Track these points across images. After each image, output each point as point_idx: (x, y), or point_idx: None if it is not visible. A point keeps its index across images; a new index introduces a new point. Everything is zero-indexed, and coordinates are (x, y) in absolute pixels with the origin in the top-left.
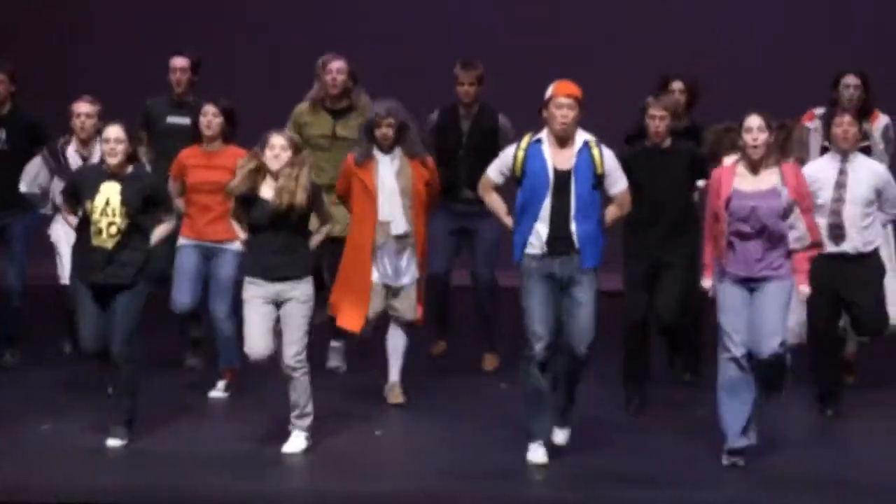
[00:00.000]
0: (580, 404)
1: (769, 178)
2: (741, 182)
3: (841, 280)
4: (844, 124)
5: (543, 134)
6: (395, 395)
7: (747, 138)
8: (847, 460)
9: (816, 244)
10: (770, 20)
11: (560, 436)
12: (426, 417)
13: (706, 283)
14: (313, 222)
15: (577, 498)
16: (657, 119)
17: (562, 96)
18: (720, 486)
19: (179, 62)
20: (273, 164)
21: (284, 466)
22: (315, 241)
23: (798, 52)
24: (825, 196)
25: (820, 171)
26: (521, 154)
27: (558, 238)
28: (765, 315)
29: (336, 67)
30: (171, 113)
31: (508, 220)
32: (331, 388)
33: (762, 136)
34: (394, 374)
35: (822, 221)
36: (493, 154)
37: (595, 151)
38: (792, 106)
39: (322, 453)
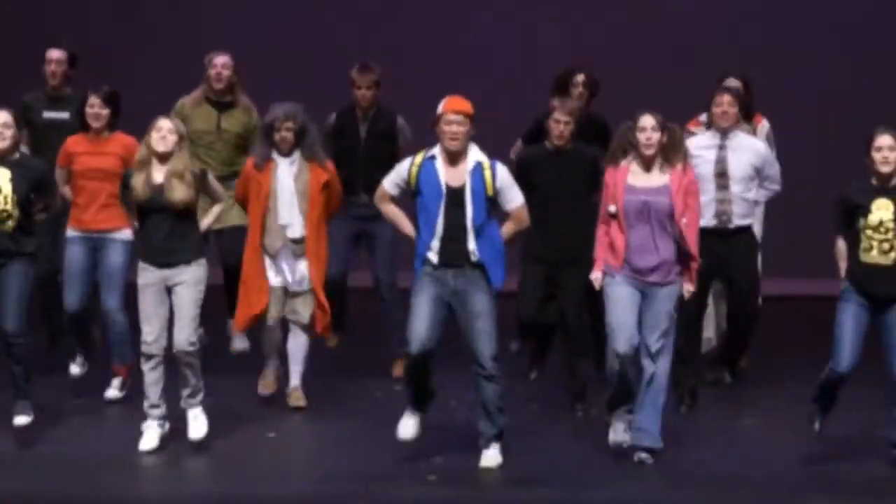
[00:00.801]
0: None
1: (661, 177)
2: (634, 179)
3: (718, 257)
4: (724, 104)
5: (437, 150)
6: (296, 398)
7: (641, 137)
8: (732, 458)
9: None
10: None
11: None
12: (321, 419)
13: (595, 275)
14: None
15: (466, 496)
16: (562, 124)
17: (451, 113)
18: (609, 484)
19: (55, 55)
20: (159, 146)
21: (171, 469)
22: (206, 222)
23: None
24: (706, 171)
25: (701, 147)
26: (414, 170)
27: (453, 252)
28: (657, 316)
29: (221, 62)
30: (49, 108)
31: (409, 229)
32: (230, 389)
33: (655, 136)
34: (294, 378)
35: (705, 198)
36: (391, 157)
37: (487, 173)
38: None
39: (214, 456)
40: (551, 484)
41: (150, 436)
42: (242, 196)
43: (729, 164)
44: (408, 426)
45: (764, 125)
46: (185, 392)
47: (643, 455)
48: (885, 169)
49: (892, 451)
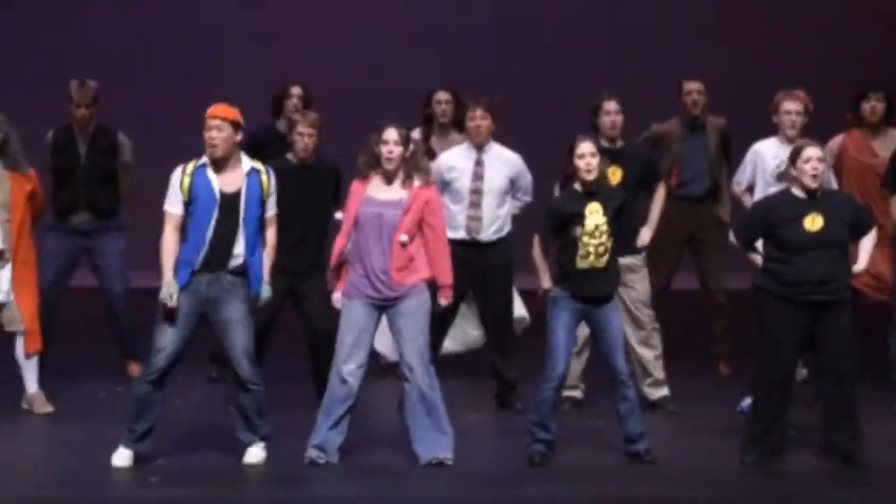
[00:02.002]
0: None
1: (400, 192)
2: (374, 191)
3: (472, 268)
4: (477, 118)
5: (206, 157)
6: (41, 405)
7: (383, 150)
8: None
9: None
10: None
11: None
12: (42, 422)
13: (335, 296)
14: None
15: (193, 496)
16: (305, 136)
17: (209, 118)
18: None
19: None
20: None
21: None
22: None
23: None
24: (462, 185)
25: (457, 159)
26: (186, 179)
27: (216, 259)
28: (408, 332)
29: None
30: None
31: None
32: None
33: (397, 150)
34: (31, 385)
35: (457, 207)
36: (112, 173)
37: (264, 177)
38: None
39: None
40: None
41: None
42: None
43: (485, 179)
44: (122, 457)
45: None
46: None
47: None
48: (588, 177)
49: (628, 447)
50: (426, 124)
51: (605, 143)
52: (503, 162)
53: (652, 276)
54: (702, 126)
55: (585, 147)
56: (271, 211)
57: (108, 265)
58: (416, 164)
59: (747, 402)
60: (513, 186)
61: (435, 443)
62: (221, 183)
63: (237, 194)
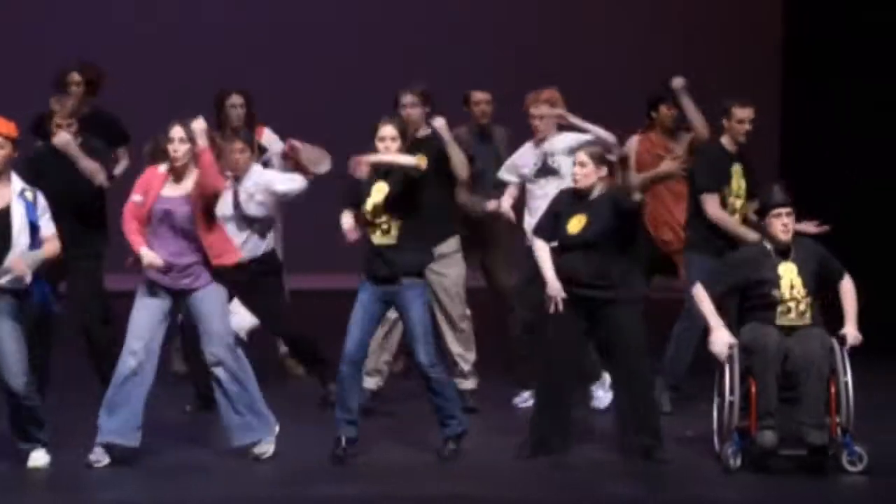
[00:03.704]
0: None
1: (186, 186)
2: (167, 188)
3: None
4: (236, 151)
5: None
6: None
7: (170, 148)
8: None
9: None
10: None
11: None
12: None
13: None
14: None
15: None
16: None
17: None
18: None
19: None
20: None
21: None
22: None
23: None
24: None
25: None
26: None
27: None
28: (213, 321)
29: None
30: None
31: None
32: None
33: (182, 147)
34: None
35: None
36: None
37: (30, 195)
38: None
39: None
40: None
41: None
42: None
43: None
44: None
45: (267, 135)
46: None
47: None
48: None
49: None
50: None
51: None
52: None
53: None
54: (489, 135)
55: (386, 130)
56: (47, 231)
57: None
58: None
59: (523, 396)
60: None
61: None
62: None
63: (7, 210)
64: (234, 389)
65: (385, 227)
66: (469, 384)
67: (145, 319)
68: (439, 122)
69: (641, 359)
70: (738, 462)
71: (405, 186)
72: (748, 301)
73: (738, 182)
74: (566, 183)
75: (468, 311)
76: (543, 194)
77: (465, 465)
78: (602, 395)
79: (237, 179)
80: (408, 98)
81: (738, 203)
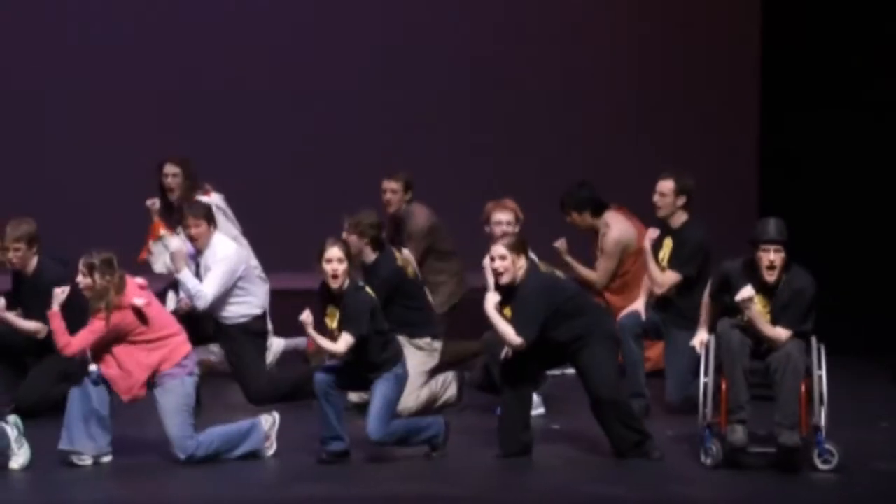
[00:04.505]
0: None
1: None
2: None
3: None
4: (191, 227)
5: None
6: None
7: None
8: None
9: None
10: None
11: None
12: None
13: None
14: None
15: None
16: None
17: None
18: None
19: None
20: None
21: None
22: None
23: None
24: None
25: None
26: None
27: None
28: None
29: None
30: None
31: None
32: None
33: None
34: None
35: None
36: None
37: None
38: None
39: None
40: None
41: None
42: None
43: None
44: None
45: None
46: None
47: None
48: (335, 284)
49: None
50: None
51: None
52: None
53: None
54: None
55: (332, 252)
56: None
57: None
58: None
59: None
60: None
61: None
62: None
63: None
64: None
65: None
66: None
67: None
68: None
69: (612, 390)
70: (712, 460)
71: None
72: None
73: (665, 253)
74: None
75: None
76: None
77: (444, 467)
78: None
79: (199, 253)
80: (390, 184)
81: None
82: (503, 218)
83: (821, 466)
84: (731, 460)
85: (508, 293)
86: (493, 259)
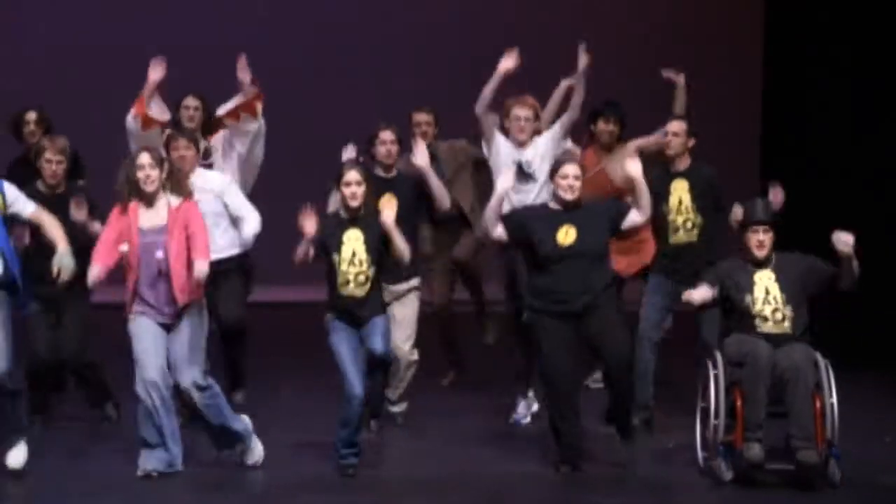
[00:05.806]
0: None
1: (163, 215)
2: (140, 219)
3: None
4: (181, 148)
5: None
6: None
7: (140, 175)
8: None
9: None
10: None
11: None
12: None
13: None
14: None
15: None
16: (54, 163)
17: None
18: None
19: None
20: None
21: None
22: None
23: None
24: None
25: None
26: None
27: None
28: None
29: None
30: None
31: None
32: None
33: (154, 173)
34: None
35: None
36: None
37: None
38: None
39: None
40: None
41: None
42: None
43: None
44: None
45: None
46: None
47: None
48: (353, 203)
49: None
50: None
51: (381, 173)
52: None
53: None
54: (432, 155)
55: (352, 175)
56: (28, 210)
57: None
58: (177, 183)
59: (520, 412)
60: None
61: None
62: None
63: None
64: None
65: (362, 277)
66: (396, 408)
67: (150, 343)
68: (421, 160)
69: (625, 349)
70: (731, 474)
71: (384, 235)
72: (728, 313)
73: (677, 198)
74: (538, 189)
75: (415, 356)
76: (518, 200)
77: (445, 478)
78: (522, 412)
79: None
80: (388, 135)
81: (681, 219)
82: (522, 114)
83: (835, 482)
84: (742, 477)
85: (566, 211)
86: (566, 177)
